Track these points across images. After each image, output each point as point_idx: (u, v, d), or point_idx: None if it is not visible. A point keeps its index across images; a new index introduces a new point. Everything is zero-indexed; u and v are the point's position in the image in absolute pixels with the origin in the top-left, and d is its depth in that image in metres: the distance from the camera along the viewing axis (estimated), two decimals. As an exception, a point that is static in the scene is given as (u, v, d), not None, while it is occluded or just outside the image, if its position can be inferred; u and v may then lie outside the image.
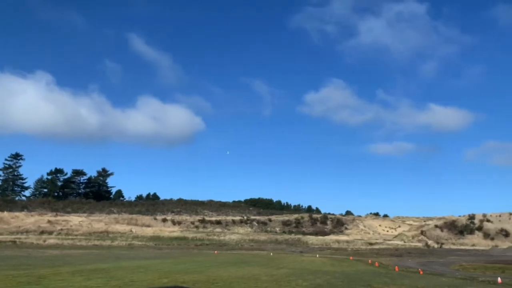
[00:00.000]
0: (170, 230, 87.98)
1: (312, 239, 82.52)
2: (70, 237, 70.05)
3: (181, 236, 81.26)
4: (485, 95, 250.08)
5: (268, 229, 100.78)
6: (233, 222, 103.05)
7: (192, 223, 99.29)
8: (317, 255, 46.92)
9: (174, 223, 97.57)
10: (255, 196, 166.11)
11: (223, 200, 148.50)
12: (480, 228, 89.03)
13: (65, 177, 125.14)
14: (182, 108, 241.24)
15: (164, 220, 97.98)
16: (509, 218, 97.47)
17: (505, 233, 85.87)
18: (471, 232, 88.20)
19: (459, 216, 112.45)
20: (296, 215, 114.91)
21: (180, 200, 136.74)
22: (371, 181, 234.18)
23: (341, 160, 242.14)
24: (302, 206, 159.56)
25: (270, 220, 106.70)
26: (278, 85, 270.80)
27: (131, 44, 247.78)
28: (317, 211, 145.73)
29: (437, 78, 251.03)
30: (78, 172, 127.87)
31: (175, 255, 42.58)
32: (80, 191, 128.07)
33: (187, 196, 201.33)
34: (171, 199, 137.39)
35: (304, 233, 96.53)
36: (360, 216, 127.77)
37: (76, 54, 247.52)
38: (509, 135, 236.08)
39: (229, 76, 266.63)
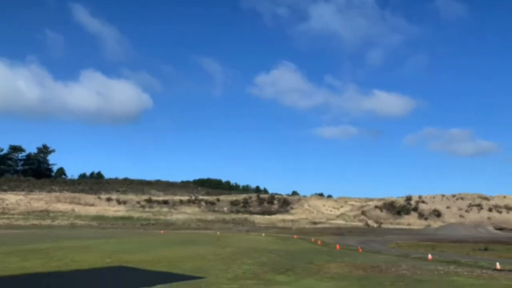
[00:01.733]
0: (115, 210, 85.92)
1: (259, 219, 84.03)
2: (6, 216, 66.36)
3: (127, 215, 79.64)
4: (426, 84, 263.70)
5: (216, 209, 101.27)
6: (181, 202, 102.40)
7: (138, 202, 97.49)
8: (263, 234, 47.91)
9: (119, 202, 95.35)
10: (204, 176, 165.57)
11: (172, 180, 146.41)
12: (415, 209, 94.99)
13: (1, 153, 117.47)
14: (129, 84, 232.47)
15: (109, 200, 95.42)
16: (441, 200, 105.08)
17: (437, 214, 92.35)
18: (408, 212, 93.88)
19: (397, 197, 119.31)
20: (244, 195, 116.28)
21: (126, 179, 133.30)
22: (317, 163, 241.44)
23: (290, 143, 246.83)
24: (250, 186, 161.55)
25: (218, 200, 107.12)
26: (229, 64, 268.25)
27: (75, 15, 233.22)
28: (265, 191, 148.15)
29: (382, 65, 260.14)
30: (15, 148, 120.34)
31: (120, 234, 41.70)
32: (17, 168, 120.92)
33: (134, 175, 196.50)
34: (116, 178, 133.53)
35: (251, 213, 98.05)
36: (305, 196, 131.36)
37: (13, 21, 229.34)
38: (445, 122, 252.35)
39: (180, 53, 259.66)
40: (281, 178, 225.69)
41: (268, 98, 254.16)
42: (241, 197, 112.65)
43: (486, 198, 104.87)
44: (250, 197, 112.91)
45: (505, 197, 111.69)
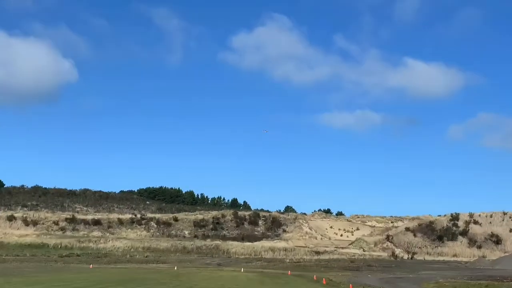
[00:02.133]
0: (20, 234, 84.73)
1: (236, 247, 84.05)
2: None
3: (38, 242, 78.62)
4: (481, 50, 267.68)
5: (173, 232, 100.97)
6: (120, 222, 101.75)
7: (56, 223, 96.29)
8: (243, 270, 47.89)
9: (27, 222, 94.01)
10: (155, 184, 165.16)
11: (106, 190, 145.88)
12: (464, 233, 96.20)
13: None
14: (42, 46, 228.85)
15: (11, 219, 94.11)
16: (502, 220, 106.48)
17: (495, 240, 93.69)
18: (453, 237, 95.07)
19: (438, 216, 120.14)
20: (214, 213, 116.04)
21: (37, 188, 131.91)
22: (321, 166, 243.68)
23: (281, 135, 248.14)
24: (223, 199, 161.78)
25: (176, 219, 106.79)
26: (193, 19, 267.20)
27: None
28: (245, 206, 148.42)
29: (417, 22, 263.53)
30: None
31: (27, 271, 41.16)
32: None
33: (49, 183, 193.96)
34: (22, 187, 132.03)
35: (225, 238, 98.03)
36: (304, 214, 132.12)
37: None
38: (508, 106, 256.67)
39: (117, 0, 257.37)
40: (269, 188, 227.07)
41: (250, 68, 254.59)
42: (210, 215, 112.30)
43: None
44: (224, 216, 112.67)
45: None
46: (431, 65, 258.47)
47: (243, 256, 74.40)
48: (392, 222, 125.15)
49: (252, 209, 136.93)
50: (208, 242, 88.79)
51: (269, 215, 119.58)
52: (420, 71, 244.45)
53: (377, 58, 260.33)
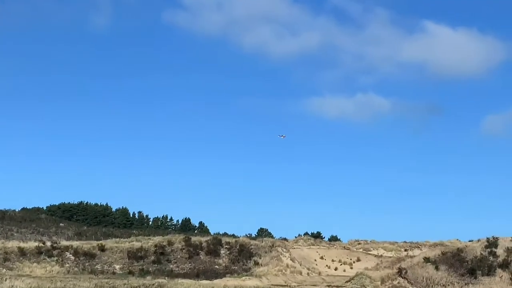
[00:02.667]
0: None
1: (188, 286, 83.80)
2: None
3: None
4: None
5: (99, 266, 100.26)
6: (22, 252, 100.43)
7: None
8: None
9: None
10: (72, 199, 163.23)
11: (1, 207, 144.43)
12: (506, 264, 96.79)
13: None
14: None
15: None
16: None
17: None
18: (490, 271, 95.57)
19: (470, 241, 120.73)
20: (158, 239, 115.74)
21: None
22: (309, 172, 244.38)
23: (253, 129, 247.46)
24: (171, 220, 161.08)
25: (102, 248, 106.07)
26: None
27: None
28: (202, 230, 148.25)
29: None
30: None
31: None
32: None
33: None
34: None
35: (173, 274, 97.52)
36: (285, 240, 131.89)
37: None
38: None
39: None
40: (236, 204, 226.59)
41: (209, 34, 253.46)
42: (151, 242, 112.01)
43: None
44: (171, 243, 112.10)
45: None
46: (459, 32, 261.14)
47: (198, 300, 73.89)
48: (406, 250, 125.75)
49: (212, 233, 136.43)
50: (149, 280, 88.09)
51: (236, 241, 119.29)
52: (445, 39, 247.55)
53: (386, 21, 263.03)
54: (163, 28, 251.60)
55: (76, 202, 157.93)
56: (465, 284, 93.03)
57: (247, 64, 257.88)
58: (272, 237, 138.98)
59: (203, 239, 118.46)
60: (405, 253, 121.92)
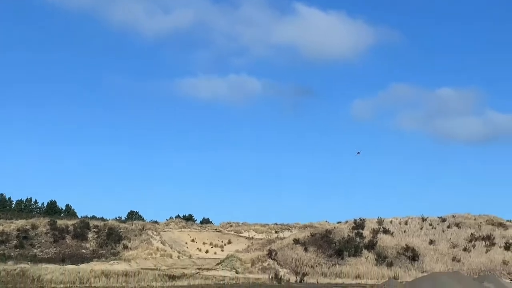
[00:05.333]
0: None
1: (53, 272, 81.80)
2: None
3: None
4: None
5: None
6: None
7: None
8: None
9: None
10: None
11: None
12: (371, 246, 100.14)
13: None
14: None
15: None
16: (420, 228, 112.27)
17: (411, 255, 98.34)
18: (356, 252, 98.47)
19: (338, 223, 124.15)
20: (20, 222, 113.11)
21: None
22: (180, 155, 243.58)
23: (123, 109, 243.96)
24: (35, 203, 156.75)
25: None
26: None
27: None
28: (68, 213, 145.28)
29: None
30: None
31: None
32: None
33: None
34: None
35: (36, 259, 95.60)
36: (156, 223, 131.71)
37: None
38: (432, 77, 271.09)
39: None
40: (105, 187, 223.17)
41: (71, 8, 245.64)
42: (13, 226, 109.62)
43: (501, 225, 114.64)
44: (35, 227, 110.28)
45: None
46: (330, 15, 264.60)
47: (62, 285, 72.39)
48: (276, 232, 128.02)
49: (79, 216, 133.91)
50: (10, 265, 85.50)
51: (104, 224, 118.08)
52: (316, 22, 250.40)
53: (260, 2, 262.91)
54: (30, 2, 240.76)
55: None
56: (333, 264, 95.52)
57: (116, 42, 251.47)
58: (142, 220, 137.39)
59: (70, 222, 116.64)
60: (275, 235, 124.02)
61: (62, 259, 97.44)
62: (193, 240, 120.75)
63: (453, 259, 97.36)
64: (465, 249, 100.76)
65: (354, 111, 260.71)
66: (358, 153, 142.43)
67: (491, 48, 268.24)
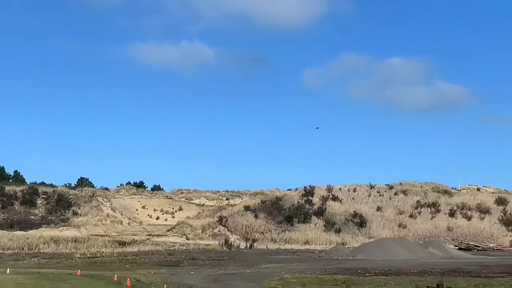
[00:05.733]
0: None
1: (1, 237, 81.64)
2: None
3: None
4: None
5: None
6: None
7: None
8: (9, 270, 46.54)
9: None
10: None
11: None
12: (320, 212, 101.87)
13: None
14: None
15: None
16: (368, 196, 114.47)
17: (359, 221, 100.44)
18: (306, 218, 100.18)
19: (288, 190, 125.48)
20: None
21: None
22: (130, 121, 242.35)
23: (69, 74, 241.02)
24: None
25: None
26: None
27: None
28: (17, 179, 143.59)
29: None
30: None
31: None
32: None
33: None
34: None
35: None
36: (106, 189, 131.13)
37: None
38: (382, 46, 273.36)
39: None
40: (54, 152, 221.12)
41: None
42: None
43: (447, 192, 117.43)
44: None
45: (478, 189, 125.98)
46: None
47: (11, 251, 72.20)
48: (227, 199, 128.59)
49: (28, 182, 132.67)
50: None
51: (53, 191, 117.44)
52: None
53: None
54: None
55: None
56: (282, 231, 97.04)
57: (66, 4, 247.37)
58: (93, 186, 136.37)
59: (18, 188, 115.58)
60: (226, 202, 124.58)
61: (10, 225, 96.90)
62: (143, 207, 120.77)
63: (400, 225, 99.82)
64: (411, 216, 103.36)
65: (305, 79, 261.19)
66: (317, 128, 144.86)
67: (441, 19, 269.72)
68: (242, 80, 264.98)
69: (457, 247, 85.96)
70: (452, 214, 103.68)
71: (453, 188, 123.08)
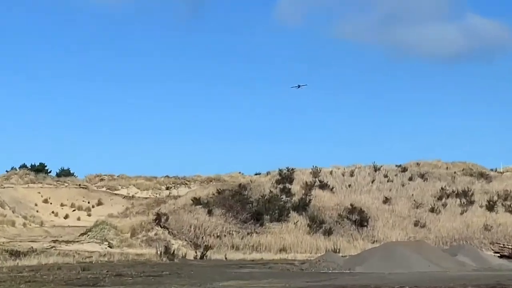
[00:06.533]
0: None
1: None
2: None
3: None
4: None
5: None
6: None
7: None
8: None
9: None
10: None
11: None
12: (303, 206, 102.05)
13: None
14: None
15: None
16: (371, 182, 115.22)
17: (359, 218, 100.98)
18: (282, 215, 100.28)
19: (256, 174, 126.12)
20: None
21: None
22: (25, 78, 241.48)
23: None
24: None
25: None
26: None
27: None
28: None
29: None
30: None
31: None
32: None
33: None
34: None
35: None
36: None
37: None
38: None
39: None
40: None
41: None
42: None
43: (483, 176, 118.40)
44: None
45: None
46: None
47: None
48: (168, 188, 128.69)
49: None
50: None
51: None
52: None
53: None
54: None
55: None
56: (248, 233, 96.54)
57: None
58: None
59: None
60: (166, 192, 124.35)
61: None
62: (46, 201, 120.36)
63: (416, 223, 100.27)
64: (432, 210, 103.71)
65: (279, 13, 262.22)
66: (299, 86, 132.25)
67: None
68: (188, 14, 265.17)
69: (498, 254, 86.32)
70: (491, 207, 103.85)
71: (492, 170, 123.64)
